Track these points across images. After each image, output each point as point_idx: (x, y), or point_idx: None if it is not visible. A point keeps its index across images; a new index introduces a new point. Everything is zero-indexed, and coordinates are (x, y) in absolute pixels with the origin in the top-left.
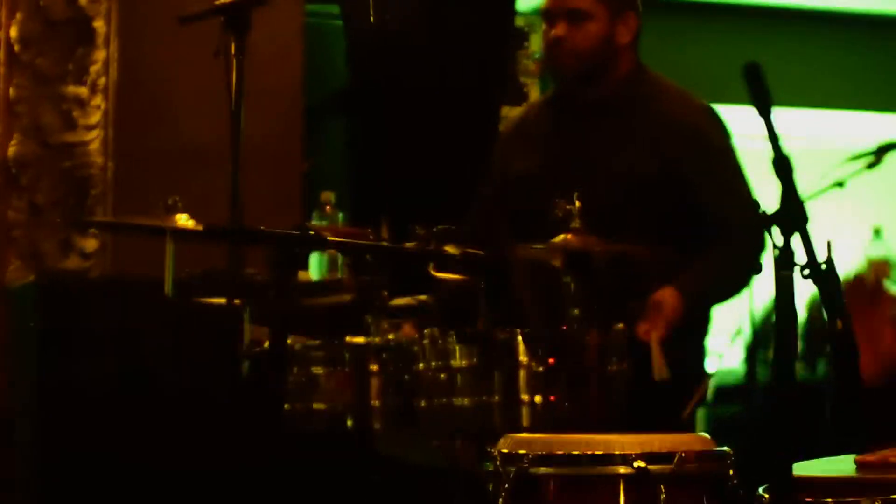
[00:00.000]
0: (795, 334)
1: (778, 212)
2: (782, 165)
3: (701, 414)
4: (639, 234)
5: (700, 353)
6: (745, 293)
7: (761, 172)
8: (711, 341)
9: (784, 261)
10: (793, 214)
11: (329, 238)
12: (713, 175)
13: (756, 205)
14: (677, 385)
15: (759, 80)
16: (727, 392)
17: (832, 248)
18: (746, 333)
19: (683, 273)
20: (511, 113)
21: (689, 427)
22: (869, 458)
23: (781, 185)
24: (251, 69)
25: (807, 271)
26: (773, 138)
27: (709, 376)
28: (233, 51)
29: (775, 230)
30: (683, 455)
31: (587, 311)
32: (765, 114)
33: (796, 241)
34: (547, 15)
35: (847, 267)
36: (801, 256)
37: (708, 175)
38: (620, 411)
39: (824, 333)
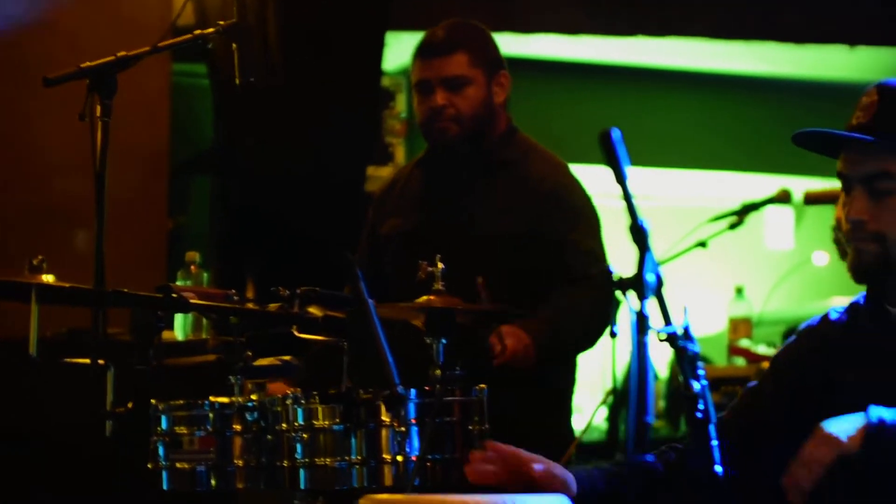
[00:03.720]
0: (650, 397)
1: (634, 277)
2: (638, 232)
3: None
4: (504, 293)
5: (567, 413)
6: (605, 354)
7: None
8: (577, 400)
9: (639, 325)
10: (648, 280)
11: (191, 301)
12: (569, 234)
13: (607, 268)
14: (544, 446)
15: (614, 148)
16: (588, 449)
17: (688, 312)
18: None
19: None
20: (377, 173)
21: None
22: None
23: (637, 251)
24: (117, 128)
25: (663, 335)
26: (630, 205)
27: (578, 437)
28: (98, 112)
29: (631, 295)
30: None
31: (449, 371)
32: (621, 181)
33: (652, 306)
34: (422, 85)
35: (710, 325)
36: (657, 321)
37: (564, 234)
38: None
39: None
